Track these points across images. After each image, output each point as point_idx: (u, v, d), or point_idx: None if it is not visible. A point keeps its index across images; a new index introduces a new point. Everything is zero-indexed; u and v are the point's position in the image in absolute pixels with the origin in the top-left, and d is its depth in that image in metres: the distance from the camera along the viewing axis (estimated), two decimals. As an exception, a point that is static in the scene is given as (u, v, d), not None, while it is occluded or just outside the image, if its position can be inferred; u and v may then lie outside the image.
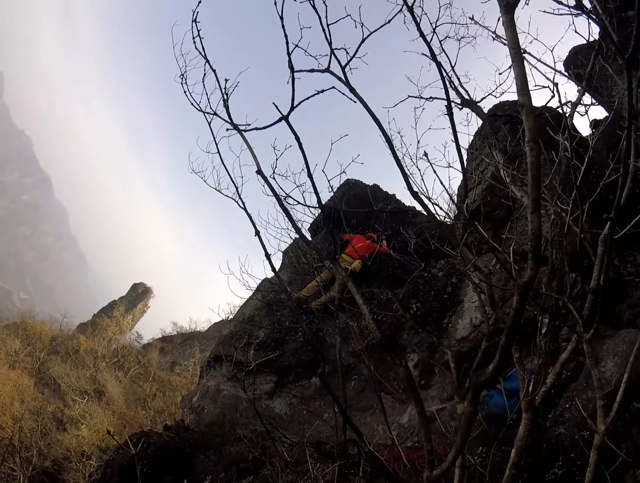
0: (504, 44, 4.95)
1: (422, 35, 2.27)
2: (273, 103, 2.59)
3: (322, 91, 2.58)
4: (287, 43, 2.51)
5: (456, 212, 6.44)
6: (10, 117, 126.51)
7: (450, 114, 2.33)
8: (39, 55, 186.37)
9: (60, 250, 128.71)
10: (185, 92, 3.02)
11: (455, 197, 6.20)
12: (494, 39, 4.88)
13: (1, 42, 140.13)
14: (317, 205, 2.85)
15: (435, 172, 3.23)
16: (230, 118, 2.97)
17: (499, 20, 3.78)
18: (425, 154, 3.33)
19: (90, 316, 25.46)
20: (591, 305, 2.74)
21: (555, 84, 4.21)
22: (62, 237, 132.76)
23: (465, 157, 6.66)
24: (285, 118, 2.70)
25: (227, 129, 2.99)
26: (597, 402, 2.71)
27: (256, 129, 2.89)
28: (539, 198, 1.71)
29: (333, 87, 2.53)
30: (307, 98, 2.66)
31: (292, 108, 2.69)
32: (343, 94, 2.52)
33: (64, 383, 15.36)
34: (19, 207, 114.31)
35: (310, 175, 2.63)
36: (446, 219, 4.41)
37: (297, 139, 2.63)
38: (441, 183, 3.25)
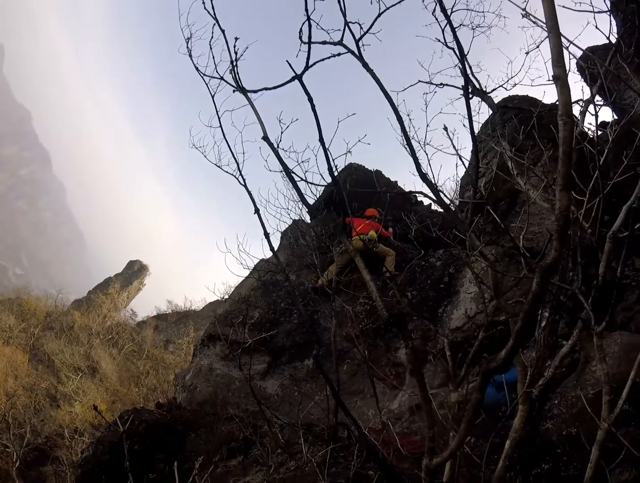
0: (532, 22, 4.91)
1: (443, 10, 2.17)
2: (287, 61, 2.49)
3: (339, 54, 2.49)
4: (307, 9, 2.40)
5: (458, 202, 6.39)
6: (10, 89, 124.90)
7: (466, 95, 2.25)
8: (41, 30, 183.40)
9: (57, 226, 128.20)
10: (189, 55, 2.91)
11: (459, 182, 6.17)
12: (523, 16, 4.83)
13: (3, 14, 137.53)
14: (321, 183, 2.76)
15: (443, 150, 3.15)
16: (237, 80, 2.85)
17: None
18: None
19: (86, 292, 25.43)
20: (604, 298, 2.70)
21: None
22: (59, 212, 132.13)
23: (476, 140, 6.60)
24: (299, 77, 2.59)
25: (234, 90, 2.87)
26: (603, 397, 2.69)
27: (266, 89, 2.78)
28: (569, 174, 1.64)
29: (349, 52, 2.44)
30: (322, 60, 2.56)
31: (307, 67, 2.58)
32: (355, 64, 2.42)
33: (58, 360, 15.38)
34: (16, 181, 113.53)
35: (321, 140, 2.53)
36: (450, 206, 4.39)
37: (310, 100, 2.54)
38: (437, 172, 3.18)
